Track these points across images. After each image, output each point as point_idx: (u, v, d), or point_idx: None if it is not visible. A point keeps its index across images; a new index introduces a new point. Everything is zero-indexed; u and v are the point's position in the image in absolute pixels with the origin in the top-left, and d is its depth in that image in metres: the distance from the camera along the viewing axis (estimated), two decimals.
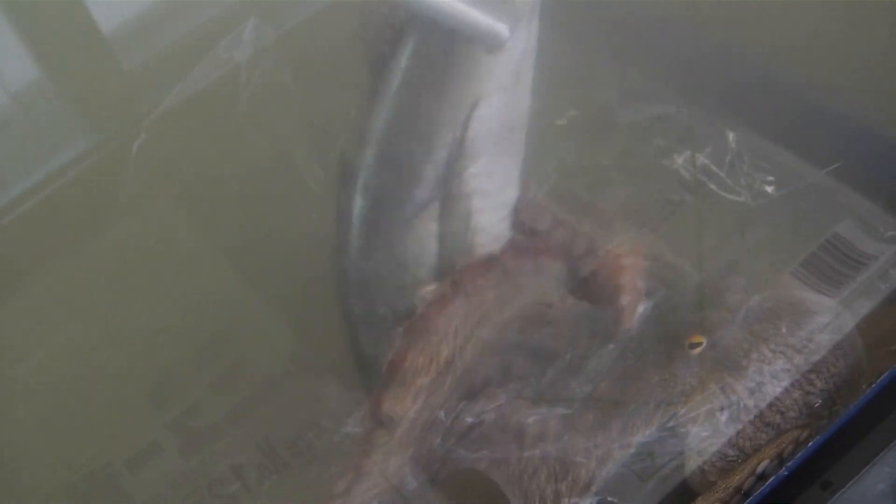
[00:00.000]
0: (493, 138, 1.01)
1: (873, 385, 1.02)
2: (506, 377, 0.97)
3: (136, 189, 1.33)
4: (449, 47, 0.97)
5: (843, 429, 1.02)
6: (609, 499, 1.03)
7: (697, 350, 1.07)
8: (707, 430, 1.05)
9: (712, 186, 1.26)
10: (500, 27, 0.95)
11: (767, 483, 0.97)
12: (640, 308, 1.06)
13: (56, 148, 1.44)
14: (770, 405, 1.04)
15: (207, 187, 1.38)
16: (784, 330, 1.06)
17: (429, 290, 1.01)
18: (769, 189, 1.25)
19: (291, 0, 1.42)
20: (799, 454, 0.98)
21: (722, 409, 1.04)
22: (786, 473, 0.98)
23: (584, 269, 1.07)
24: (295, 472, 1.22)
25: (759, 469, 0.98)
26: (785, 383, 1.05)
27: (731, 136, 1.29)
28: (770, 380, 1.05)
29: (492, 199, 1.05)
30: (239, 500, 1.22)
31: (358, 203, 1.04)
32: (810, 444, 0.99)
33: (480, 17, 0.95)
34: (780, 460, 0.98)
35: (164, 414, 1.30)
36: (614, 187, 1.29)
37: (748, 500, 0.97)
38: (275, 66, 1.30)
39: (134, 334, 1.35)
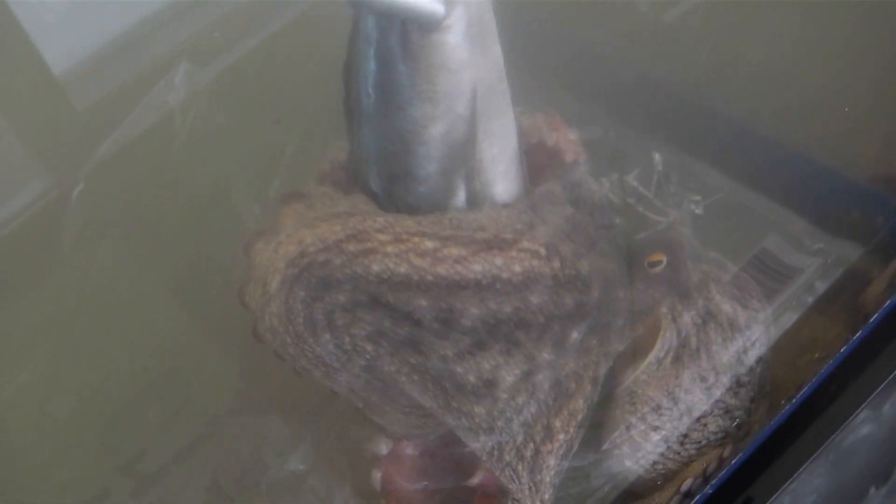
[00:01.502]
0: (483, 109, 0.93)
1: (794, 399, 1.04)
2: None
3: (78, 235, 1.34)
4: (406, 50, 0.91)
5: (765, 444, 1.03)
6: None
7: (657, 269, 1.06)
8: (639, 450, 1.06)
9: (640, 209, 1.28)
10: (435, 5, 0.88)
11: (693, 501, 0.99)
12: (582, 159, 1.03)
13: (12, 191, 1.45)
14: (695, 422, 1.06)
15: (148, 230, 1.40)
16: (714, 347, 1.07)
17: None
18: (696, 209, 1.28)
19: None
20: (723, 471, 1.00)
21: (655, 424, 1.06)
22: (710, 491, 1.00)
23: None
24: None
25: (684, 487, 1.00)
26: (710, 402, 1.07)
27: (657, 157, 1.31)
28: (700, 397, 1.06)
29: (504, 160, 0.99)
30: None
31: None
32: (734, 460, 1.01)
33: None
34: (705, 478, 1.00)
35: (113, 458, 1.31)
36: None
37: None
38: (208, 107, 1.32)
39: (81, 379, 1.36)
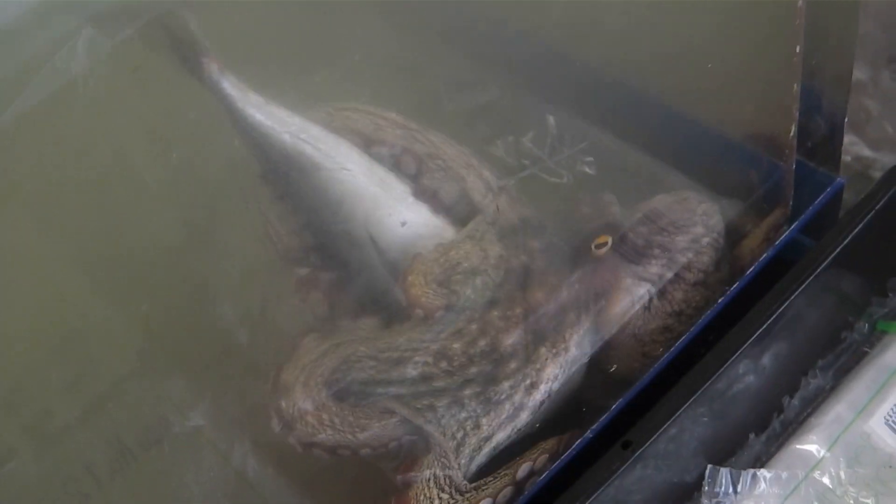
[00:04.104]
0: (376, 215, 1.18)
1: (672, 347, 1.08)
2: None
3: None
4: None
5: (644, 390, 1.07)
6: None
7: (604, 250, 1.13)
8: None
9: (535, 170, 1.31)
10: None
11: (573, 446, 1.03)
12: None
13: None
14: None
15: (51, 197, 1.39)
16: (694, 261, 1.15)
17: None
18: (588, 169, 1.30)
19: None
20: (602, 417, 1.03)
21: None
22: (590, 436, 1.03)
23: None
24: (145, 466, 1.25)
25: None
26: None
27: (551, 119, 1.33)
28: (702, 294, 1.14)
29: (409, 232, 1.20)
30: (92, 496, 1.25)
31: None
32: (612, 406, 1.04)
33: None
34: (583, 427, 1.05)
35: (17, 418, 1.31)
36: None
37: (555, 464, 1.03)
38: (111, 74, 1.32)
39: None
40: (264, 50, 1.38)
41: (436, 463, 1.06)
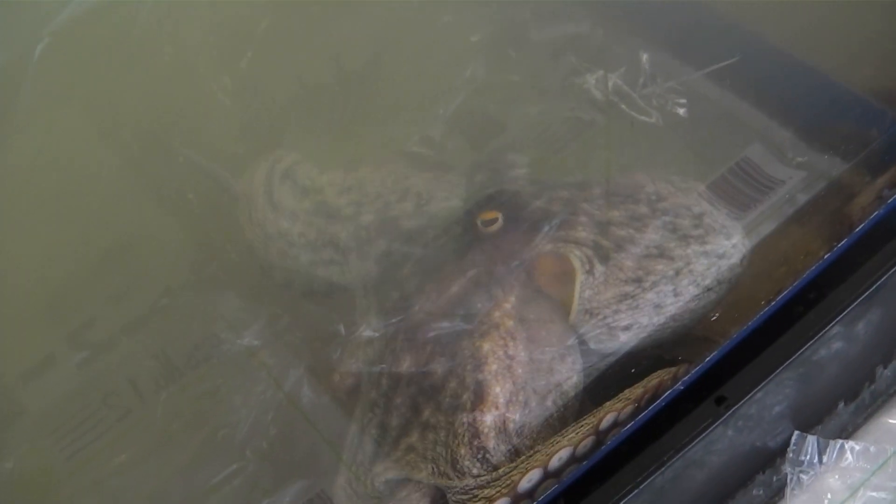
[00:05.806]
0: None
1: (771, 303, 1.02)
2: None
3: (38, 96, 1.29)
4: None
5: (739, 346, 1.01)
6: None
7: (495, 227, 1.04)
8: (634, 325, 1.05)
9: (623, 107, 1.25)
10: None
11: (663, 397, 0.97)
12: None
13: None
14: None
15: (111, 96, 1.35)
16: (690, 250, 1.05)
17: None
18: (681, 111, 1.24)
19: None
20: (695, 369, 0.97)
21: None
22: (681, 388, 0.97)
23: None
24: (191, 383, 1.20)
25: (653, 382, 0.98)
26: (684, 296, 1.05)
27: (644, 56, 1.28)
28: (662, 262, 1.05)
29: None
30: (134, 411, 1.20)
31: None
32: (706, 359, 0.98)
33: None
34: (675, 379, 0.98)
35: (61, 326, 1.28)
36: (524, 105, 1.28)
37: (642, 413, 0.97)
38: None
39: (33, 245, 1.32)
40: None
41: (447, 495, 1.00)
